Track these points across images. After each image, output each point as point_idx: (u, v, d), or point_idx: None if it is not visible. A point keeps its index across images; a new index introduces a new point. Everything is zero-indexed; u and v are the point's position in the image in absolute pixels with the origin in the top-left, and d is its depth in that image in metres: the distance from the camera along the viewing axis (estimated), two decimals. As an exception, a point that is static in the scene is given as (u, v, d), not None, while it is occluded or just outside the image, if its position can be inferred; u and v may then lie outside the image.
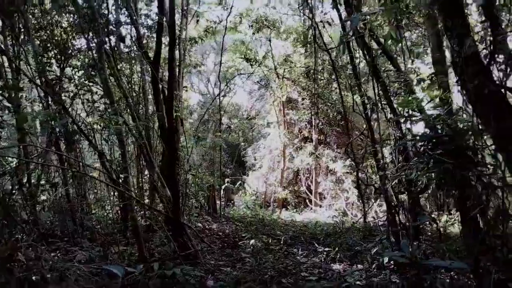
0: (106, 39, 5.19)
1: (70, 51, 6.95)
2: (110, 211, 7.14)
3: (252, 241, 6.40)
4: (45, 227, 6.84)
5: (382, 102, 5.86)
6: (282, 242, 6.55)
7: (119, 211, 6.95)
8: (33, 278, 3.65)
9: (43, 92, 6.02)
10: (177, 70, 8.74)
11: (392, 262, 4.50)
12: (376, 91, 5.67)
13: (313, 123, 14.61)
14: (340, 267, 5.02)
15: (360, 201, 12.12)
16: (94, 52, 5.10)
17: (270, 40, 15.55)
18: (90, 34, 4.98)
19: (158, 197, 5.29)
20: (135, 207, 5.06)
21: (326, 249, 5.66)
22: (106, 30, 5.22)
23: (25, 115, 2.85)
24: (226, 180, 14.88)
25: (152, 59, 6.89)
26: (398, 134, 5.27)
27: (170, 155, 4.69)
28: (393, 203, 4.93)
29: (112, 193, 7.75)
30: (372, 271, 4.68)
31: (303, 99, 15.28)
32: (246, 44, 15.81)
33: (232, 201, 14.76)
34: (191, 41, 10.30)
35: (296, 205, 15.82)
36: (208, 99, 22.23)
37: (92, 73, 5.06)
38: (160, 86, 7.04)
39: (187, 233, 5.15)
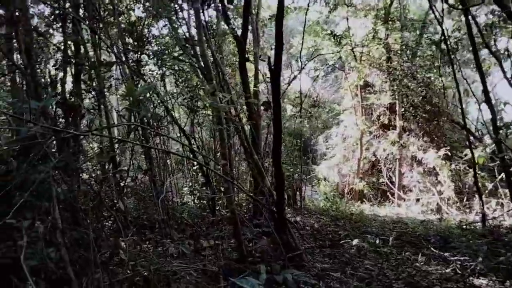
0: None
1: (146, 38, 6.57)
2: (200, 202, 6.79)
3: (355, 241, 5.59)
4: (132, 215, 6.64)
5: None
6: (390, 244, 5.65)
7: (209, 203, 6.49)
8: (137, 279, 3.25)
9: (130, 71, 5.68)
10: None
11: None
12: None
13: (397, 108, 13.19)
14: (484, 282, 4.02)
15: (459, 196, 10.69)
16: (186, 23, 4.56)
17: (347, 19, 14.34)
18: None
19: (258, 188, 4.66)
20: (234, 197, 4.49)
21: (459, 258, 4.65)
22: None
23: (132, 85, 2.34)
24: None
25: (240, 35, 6.32)
26: None
27: (276, 139, 4.01)
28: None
29: (199, 183, 7.42)
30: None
31: (384, 82, 13.86)
32: (321, 24, 14.71)
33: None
34: (269, 20, 9.58)
35: (373, 197, 14.62)
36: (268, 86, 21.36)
37: (187, 46, 4.52)
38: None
39: (290, 230, 4.48)
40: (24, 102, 2.37)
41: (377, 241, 5.59)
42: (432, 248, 5.47)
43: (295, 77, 9.53)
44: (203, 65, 4.28)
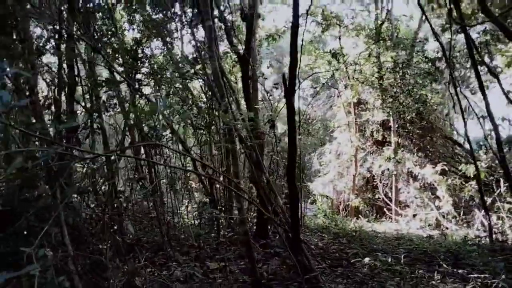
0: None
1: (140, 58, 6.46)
2: (202, 222, 6.58)
3: (366, 259, 5.46)
4: (131, 237, 6.39)
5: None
6: (402, 262, 5.53)
7: (213, 222, 6.30)
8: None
9: (133, 90, 5.56)
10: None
11: None
12: None
13: (392, 125, 13.32)
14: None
15: (455, 211, 10.71)
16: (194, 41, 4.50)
17: (340, 38, 14.61)
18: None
19: (271, 207, 4.51)
20: (245, 216, 4.34)
21: (479, 275, 4.55)
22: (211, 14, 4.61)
23: (154, 105, 2.23)
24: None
25: (242, 53, 6.29)
26: None
27: (290, 157, 3.91)
28: None
29: (200, 202, 7.22)
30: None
31: (377, 99, 14.03)
32: (313, 43, 14.93)
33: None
34: (267, 39, 9.64)
35: (369, 213, 14.57)
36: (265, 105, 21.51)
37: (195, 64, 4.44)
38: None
39: (304, 250, 4.33)
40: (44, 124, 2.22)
41: (389, 259, 5.46)
42: (444, 265, 5.37)
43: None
44: (213, 83, 4.20)
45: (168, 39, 6.86)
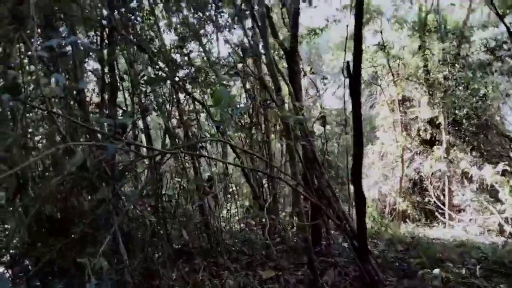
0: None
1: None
2: (249, 227, 6.28)
3: (436, 271, 4.88)
4: (183, 242, 6.15)
5: None
6: (477, 274, 4.91)
7: (260, 227, 5.96)
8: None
9: (178, 89, 5.33)
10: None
11: None
12: None
13: (443, 122, 12.43)
14: None
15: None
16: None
17: (381, 32, 13.91)
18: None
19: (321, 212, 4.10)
20: (306, 222, 3.94)
21: None
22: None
23: (220, 92, 1.92)
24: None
25: (289, 48, 5.93)
26: None
27: (357, 156, 3.48)
28: None
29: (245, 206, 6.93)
30: None
31: (424, 95, 13.19)
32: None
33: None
34: (308, 35, 9.23)
35: (418, 218, 13.67)
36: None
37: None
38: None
39: (371, 260, 3.87)
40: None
41: (463, 271, 4.87)
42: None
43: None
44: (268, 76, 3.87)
45: (205, 39, 6.65)
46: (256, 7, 3.96)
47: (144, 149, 3.29)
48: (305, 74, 5.49)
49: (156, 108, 4.66)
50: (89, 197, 2.55)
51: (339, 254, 5.84)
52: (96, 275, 2.40)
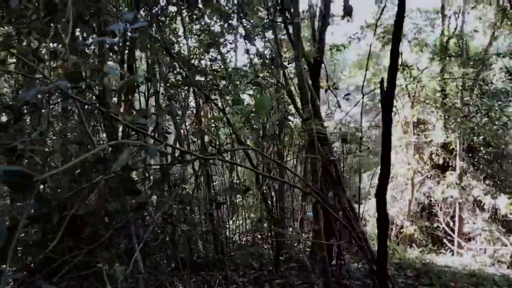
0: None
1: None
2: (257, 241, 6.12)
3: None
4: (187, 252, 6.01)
5: None
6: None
7: (271, 241, 5.81)
8: None
9: (200, 95, 5.27)
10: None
11: None
12: None
13: (458, 148, 12.22)
14: None
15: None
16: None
17: (401, 54, 13.83)
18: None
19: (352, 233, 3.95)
20: (323, 240, 3.79)
21: None
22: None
23: (263, 100, 1.83)
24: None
25: (312, 60, 5.86)
26: None
27: (383, 176, 3.35)
28: None
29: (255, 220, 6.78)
30: None
31: (440, 119, 13.02)
32: (375, 57, 14.28)
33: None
34: (330, 50, 9.17)
35: (424, 243, 13.36)
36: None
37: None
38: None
39: (388, 286, 3.70)
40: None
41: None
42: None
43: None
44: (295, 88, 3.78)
45: (226, 48, 6.61)
46: (289, 17, 3.87)
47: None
48: (328, 89, 5.37)
49: (177, 112, 4.60)
50: (112, 200, 2.45)
51: (349, 276, 5.66)
52: (113, 282, 2.29)
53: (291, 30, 4.98)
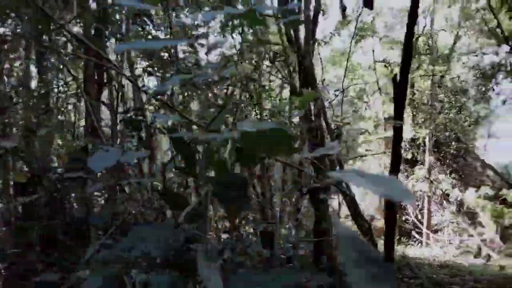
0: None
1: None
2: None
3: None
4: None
5: None
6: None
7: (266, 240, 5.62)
8: None
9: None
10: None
11: None
12: None
13: (428, 143, 12.69)
14: None
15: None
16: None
17: (373, 51, 14.15)
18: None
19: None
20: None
21: None
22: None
23: (310, 95, 1.66)
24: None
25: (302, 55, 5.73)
26: None
27: (394, 169, 3.31)
28: None
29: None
30: None
31: (413, 116, 13.48)
32: (346, 54, 14.48)
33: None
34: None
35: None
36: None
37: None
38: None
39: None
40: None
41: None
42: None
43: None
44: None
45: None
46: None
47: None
48: (309, 86, 5.28)
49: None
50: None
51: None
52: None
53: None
